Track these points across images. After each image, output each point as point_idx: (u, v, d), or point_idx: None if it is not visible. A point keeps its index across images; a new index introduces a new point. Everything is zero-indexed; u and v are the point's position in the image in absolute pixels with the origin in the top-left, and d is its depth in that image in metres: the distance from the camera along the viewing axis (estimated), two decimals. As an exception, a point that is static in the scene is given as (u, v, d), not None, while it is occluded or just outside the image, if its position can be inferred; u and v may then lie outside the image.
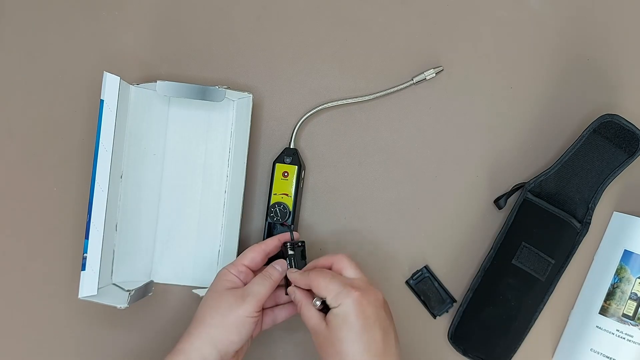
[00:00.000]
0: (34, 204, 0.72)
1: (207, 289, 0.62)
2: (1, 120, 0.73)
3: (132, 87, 0.68)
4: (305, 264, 0.63)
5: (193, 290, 0.68)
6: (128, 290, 0.65)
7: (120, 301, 0.63)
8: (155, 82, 0.67)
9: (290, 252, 0.63)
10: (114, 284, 0.67)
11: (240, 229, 0.68)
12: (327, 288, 0.56)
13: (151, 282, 0.70)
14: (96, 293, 0.63)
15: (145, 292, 0.68)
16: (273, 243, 0.64)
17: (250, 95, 0.68)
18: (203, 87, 0.67)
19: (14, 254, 0.72)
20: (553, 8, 0.74)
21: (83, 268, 0.63)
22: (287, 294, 0.62)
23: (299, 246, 0.64)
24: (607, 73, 0.73)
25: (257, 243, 0.64)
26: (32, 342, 0.71)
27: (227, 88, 0.67)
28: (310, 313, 0.57)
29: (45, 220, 0.72)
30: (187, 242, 0.71)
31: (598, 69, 0.73)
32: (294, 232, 0.64)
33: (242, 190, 0.67)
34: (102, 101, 0.64)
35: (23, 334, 0.71)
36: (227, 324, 0.57)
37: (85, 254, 0.63)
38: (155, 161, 0.71)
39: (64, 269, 0.71)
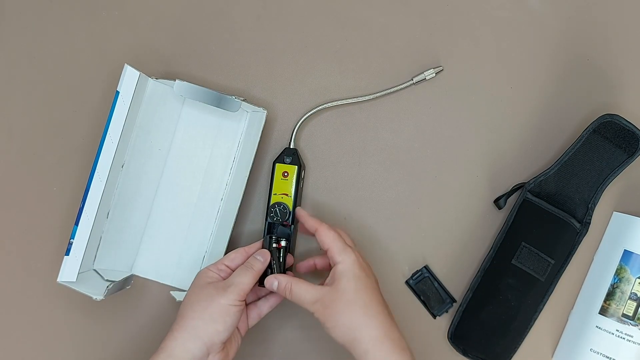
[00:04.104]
0: (34, 204, 0.72)
1: (185, 292, 0.63)
2: (1, 120, 0.73)
3: (150, 81, 0.68)
4: (284, 263, 0.65)
5: (171, 292, 0.68)
6: (107, 281, 0.66)
7: (97, 292, 0.63)
8: (174, 80, 0.67)
9: (275, 245, 0.64)
10: (94, 270, 0.68)
11: (230, 239, 0.68)
12: (334, 242, 0.61)
13: (131, 276, 0.71)
14: (75, 280, 0.63)
15: (123, 285, 0.69)
16: (256, 246, 0.64)
17: (265, 111, 0.67)
18: (220, 94, 0.67)
19: (14, 254, 0.72)
20: (553, 8, 0.74)
21: (67, 253, 0.63)
22: (262, 285, 0.63)
23: (286, 240, 0.65)
24: (607, 73, 0.73)
25: (238, 248, 0.64)
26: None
27: (243, 100, 0.67)
28: (305, 286, 0.60)
29: (45, 219, 0.72)
30: (175, 241, 0.71)
31: (598, 69, 0.73)
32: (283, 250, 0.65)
33: (239, 201, 0.67)
34: (117, 92, 0.64)
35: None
36: (209, 314, 0.57)
37: (71, 240, 0.63)
38: (159, 156, 0.71)
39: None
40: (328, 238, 0.61)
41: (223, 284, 0.59)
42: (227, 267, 0.62)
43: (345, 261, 0.60)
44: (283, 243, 0.64)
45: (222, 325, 0.57)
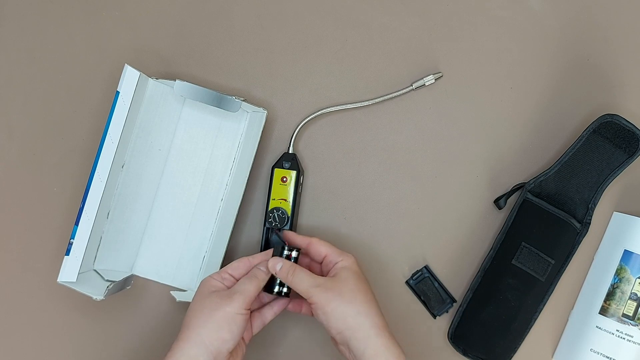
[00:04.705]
0: (34, 204, 0.72)
1: (185, 292, 0.63)
2: (1, 120, 0.73)
3: (151, 81, 0.68)
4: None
5: (171, 292, 0.67)
6: (107, 281, 0.66)
7: (97, 292, 0.63)
8: (174, 80, 0.67)
9: (287, 253, 0.62)
10: (94, 270, 0.68)
11: (230, 239, 0.67)
12: (331, 248, 0.63)
13: (131, 276, 0.70)
14: (75, 280, 0.63)
15: (123, 285, 0.69)
16: (261, 257, 0.63)
17: (265, 111, 0.67)
18: (220, 94, 0.67)
19: (15, 254, 0.72)
20: (553, 8, 0.74)
21: (67, 253, 0.63)
22: (268, 291, 0.63)
23: (297, 251, 0.63)
24: (607, 73, 0.73)
25: (245, 256, 0.63)
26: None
27: (243, 100, 0.67)
28: (307, 272, 0.60)
29: (45, 219, 0.72)
30: (175, 241, 0.71)
31: (598, 69, 0.73)
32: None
33: (239, 202, 0.67)
34: (117, 92, 0.64)
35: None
36: (215, 322, 0.57)
37: (71, 240, 0.63)
38: (159, 156, 0.71)
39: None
40: (324, 246, 0.63)
41: (228, 292, 0.59)
42: (231, 275, 0.62)
43: (345, 260, 0.61)
44: (294, 254, 0.62)
45: (228, 334, 0.57)
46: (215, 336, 0.56)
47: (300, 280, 0.60)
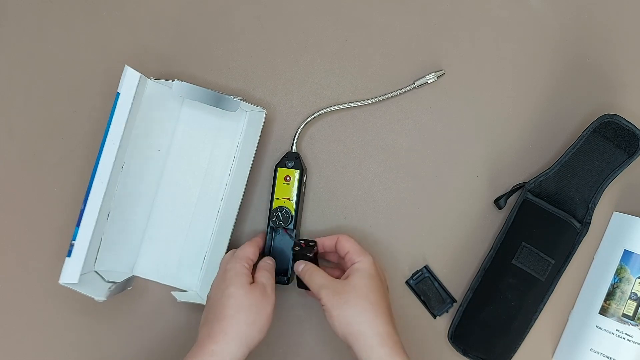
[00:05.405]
0: (34, 205, 0.72)
1: (186, 293, 0.66)
2: (1, 120, 0.73)
3: (149, 81, 0.68)
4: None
5: (172, 292, 0.68)
6: (108, 282, 0.66)
7: (99, 293, 0.63)
8: (173, 80, 0.67)
9: (309, 254, 0.65)
10: (95, 271, 0.68)
11: (230, 239, 0.68)
12: (354, 246, 0.64)
13: (132, 277, 0.70)
14: (77, 281, 0.63)
15: (125, 286, 0.69)
16: (261, 240, 0.68)
17: (264, 111, 0.67)
18: (219, 94, 0.67)
19: (15, 255, 0.72)
20: (553, 8, 0.74)
21: (68, 254, 0.63)
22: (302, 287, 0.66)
23: (310, 245, 0.66)
24: (607, 73, 0.73)
25: (249, 240, 0.67)
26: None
27: (242, 100, 0.67)
28: (322, 273, 0.63)
29: (46, 220, 0.72)
30: (175, 241, 0.71)
31: (598, 69, 0.73)
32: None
33: (239, 202, 0.67)
34: (118, 94, 0.64)
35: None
36: (262, 323, 0.60)
37: (73, 241, 0.63)
38: (158, 157, 0.71)
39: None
40: (348, 242, 0.64)
41: (262, 288, 0.62)
42: (252, 260, 0.65)
43: (363, 261, 0.63)
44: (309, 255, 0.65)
45: (265, 334, 0.61)
46: (258, 337, 0.60)
47: (314, 280, 0.62)
